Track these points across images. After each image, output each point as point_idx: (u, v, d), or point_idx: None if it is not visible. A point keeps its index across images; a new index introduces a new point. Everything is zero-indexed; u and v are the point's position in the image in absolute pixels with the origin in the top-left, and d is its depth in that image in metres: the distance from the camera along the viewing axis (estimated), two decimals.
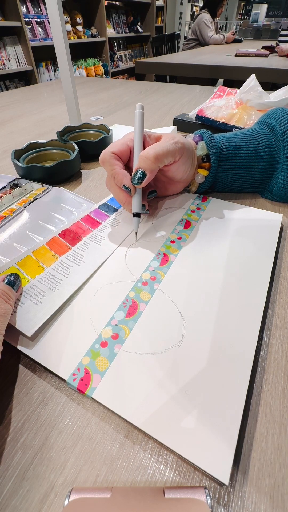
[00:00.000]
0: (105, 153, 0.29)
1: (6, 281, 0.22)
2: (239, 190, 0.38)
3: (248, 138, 0.35)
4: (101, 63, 2.82)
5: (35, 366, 0.20)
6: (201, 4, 4.89)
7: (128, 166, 0.31)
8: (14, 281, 0.22)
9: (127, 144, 0.30)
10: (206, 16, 2.59)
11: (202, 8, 2.78)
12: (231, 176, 0.36)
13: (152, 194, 0.32)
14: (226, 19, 5.18)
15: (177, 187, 0.35)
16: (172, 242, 0.30)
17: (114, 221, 0.33)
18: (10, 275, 0.23)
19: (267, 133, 0.35)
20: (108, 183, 0.31)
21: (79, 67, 2.65)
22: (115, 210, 0.34)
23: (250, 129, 0.37)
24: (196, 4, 5.13)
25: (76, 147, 0.44)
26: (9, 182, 0.38)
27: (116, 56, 3.26)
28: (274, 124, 0.34)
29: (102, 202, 0.35)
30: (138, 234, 0.30)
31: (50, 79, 2.58)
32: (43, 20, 2.33)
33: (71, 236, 0.30)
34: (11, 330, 0.21)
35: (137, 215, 0.29)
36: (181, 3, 4.07)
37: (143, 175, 0.28)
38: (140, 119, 0.31)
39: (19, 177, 0.41)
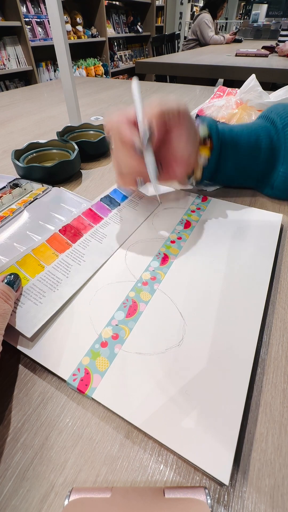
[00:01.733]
0: (112, 122, 0.28)
1: (6, 281, 0.22)
2: (240, 182, 0.38)
3: (249, 129, 0.35)
4: (101, 63, 2.82)
5: (35, 366, 0.20)
6: (201, 4, 4.89)
7: None
8: (13, 281, 0.22)
9: (126, 115, 0.28)
10: (206, 16, 2.59)
11: (202, 9, 2.77)
12: (232, 166, 0.36)
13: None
14: (226, 19, 5.18)
15: (180, 171, 0.33)
16: (172, 242, 0.30)
17: (116, 217, 0.32)
18: (10, 274, 0.23)
19: (268, 126, 0.35)
20: (116, 154, 0.29)
21: (79, 67, 2.65)
22: (118, 204, 0.34)
23: (251, 122, 0.37)
24: (196, 4, 5.13)
25: (76, 147, 0.44)
26: (9, 182, 0.38)
27: (116, 56, 3.26)
28: (275, 118, 0.35)
29: (105, 194, 0.35)
30: (160, 197, 0.30)
31: (50, 79, 2.58)
32: (43, 20, 2.32)
33: (72, 232, 0.29)
34: (11, 330, 0.21)
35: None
36: (181, 3, 4.07)
37: (150, 132, 0.26)
38: (139, 90, 0.29)
39: (19, 177, 0.41)
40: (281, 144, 0.34)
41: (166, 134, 0.29)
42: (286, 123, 0.33)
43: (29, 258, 0.26)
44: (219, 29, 2.91)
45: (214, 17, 2.71)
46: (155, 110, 0.27)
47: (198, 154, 0.34)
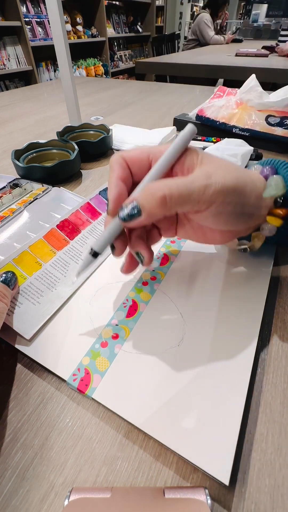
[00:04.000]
0: (115, 155, 0.21)
1: (2, 279, 0.22)
2: None
3: None
4: (101, 63, 2.82)
5: (35, 366, 0.20)
6: (201, 4, 4.89)
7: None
8: (10, 279, 0.22)
9: (147, 154, 0.21)
10: (206, 16, 2.59)
11: (203, 8, 2.77)
12: None
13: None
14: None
15: (219, 238, 0.24)
16: (172, 242, 0.30)
17: None
18: (6, 272, 0.22)
19: None
20: None
21: (79, 67, 2.65)
22: None
23: None
24: (196, 4, 5.12)
25: (76, 147, 0.44)
26: (9, 182, 0.38)
27: (116, 56, 3.26)
28: None
29: (104, 187, 0.34)
30: (79, 275, 0.21)
31: (50, 79, 2.57)
32: (43, 20, 2.32)
33: (70, 228, 0.29)
34: (9, 329, 0.21)
35: (94, 254, 0.20)
36: (181, 3, 4.07)
37: (136, 213, 0.18)
38: (185, 137, 0.20)
39: (19, 177, 0.41)
40: None
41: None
42: None
43: (26, 255, 0.25)
44: (219, 28, 2.89)
45: (215, 16, 2.71)
46: (158, 195, 0.18)
47: (262, 221, 0.23)
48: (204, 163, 0.20)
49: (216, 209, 0.19)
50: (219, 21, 2.81)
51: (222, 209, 0.19)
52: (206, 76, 1.34)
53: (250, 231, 0.24)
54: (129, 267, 0.22)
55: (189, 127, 0.20)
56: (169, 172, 0.20)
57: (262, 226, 0.23)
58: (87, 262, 0.20)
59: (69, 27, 2.53)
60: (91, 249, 0.20)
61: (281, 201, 0.22)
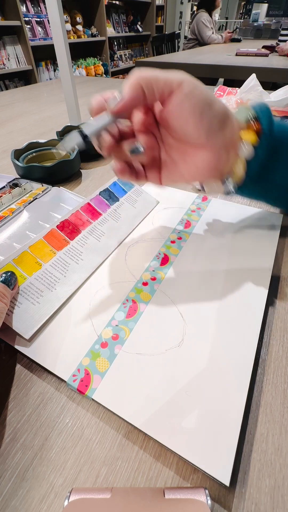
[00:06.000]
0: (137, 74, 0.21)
1: (2, 279, 0.22)
2: None
3: None
4: (101, 63, 2.82)
5: (34, 367, 0.20)
6: None
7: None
8: (9, 279, 0.22)
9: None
10: (204, 16, 2.58)
11: (198, 8, 2.76)
12: None
13: (136, 151, 0.22)
14: (226, 18, 5.16)
15: (203, 171, 0.24)
16: (172, 242, 0.30)
17: (115, 214, 0.32)
18: (5, 273, 0.22)
19: None
20: None
21: (79, 67, 2.65)
22: (117, 199, 0.33)
23: None
24: (196, 3, 5.12)
25: (76, 146, 0.44)
26: (9, 182, 0.38)
27: (116, 55, 3.25)
28: None
29: (104, 187, 0.34)
30: (63, 147, 0.22)
31: (50, 79, 2.57)
32: (42, 20, 2.32)
33: (70, 228, 0.29)
34: (9, 329, 0.21)
35: (83, 135, 0.22)
36: (181, 3, 4.06)
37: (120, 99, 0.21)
38: None
39: (18, 176, 0.41)
40: None
41: (161, 113, 0.22)
42: None
43: (26, 256, 0.25)
44: (219, 28, 2.88)
45: (213, 9, 2.69)
46: (136, 74, 0.20)
47: (237, 142, 0.23)
48: None
49: (185, 96, 0.20)
50: (218, 20, 2.79)
51: (191, 97, 0.20)
52: (206, 76, 1.33)
53: (229, 164, 0.24)
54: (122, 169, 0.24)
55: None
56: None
57: (240, 147, 0.23)
58: (75, 139, 0.22)
59: (69, 26, 2.53)
60: (78, 126, 0.21)
61: (252, 120, 0.23)
